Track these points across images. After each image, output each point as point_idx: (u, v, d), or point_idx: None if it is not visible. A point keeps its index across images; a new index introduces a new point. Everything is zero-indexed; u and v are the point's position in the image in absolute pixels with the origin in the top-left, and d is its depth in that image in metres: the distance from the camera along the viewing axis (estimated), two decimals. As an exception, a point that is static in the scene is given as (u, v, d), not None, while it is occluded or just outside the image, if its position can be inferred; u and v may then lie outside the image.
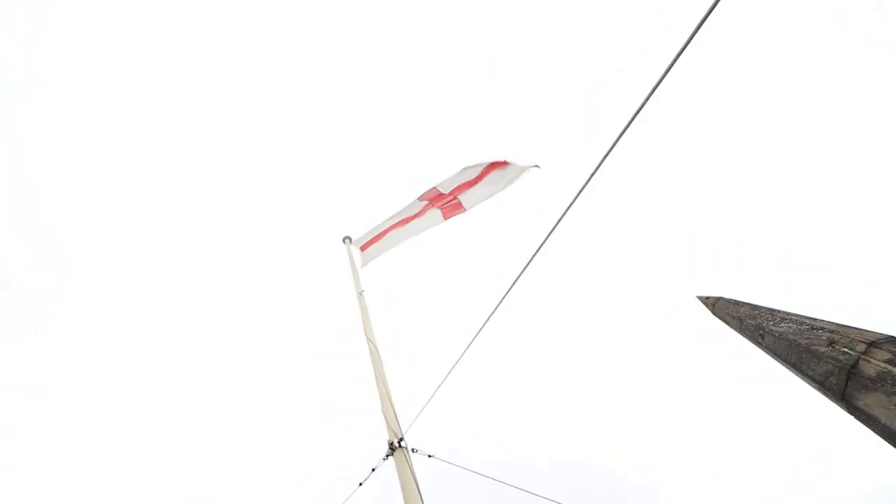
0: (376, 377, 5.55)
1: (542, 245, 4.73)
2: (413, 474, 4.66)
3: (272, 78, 23.36)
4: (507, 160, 7.98)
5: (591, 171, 3.61)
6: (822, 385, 2.22)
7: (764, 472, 14.94)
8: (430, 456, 5.12)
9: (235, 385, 18.25)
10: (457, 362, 5.74)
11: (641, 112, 3.10)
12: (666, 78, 2.90)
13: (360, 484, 5.30)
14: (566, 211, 4.01)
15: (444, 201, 7.86)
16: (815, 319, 2.86)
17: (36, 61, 19.80)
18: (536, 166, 8.19)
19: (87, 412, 16.26)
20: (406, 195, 8.16)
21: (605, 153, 3.42)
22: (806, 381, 2.37)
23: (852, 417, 1.97)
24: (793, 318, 3.05)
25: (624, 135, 3.22)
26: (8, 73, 19.15)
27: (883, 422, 1.74)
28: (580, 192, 3.78)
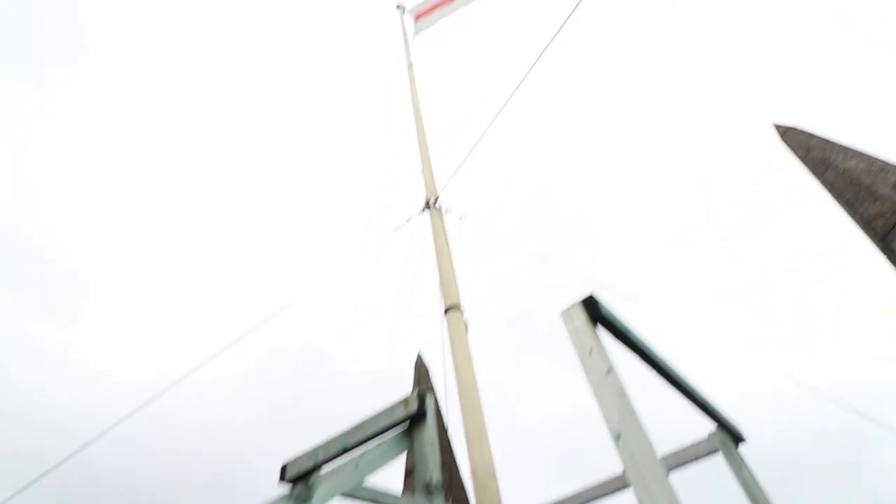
0: (419, 143, 5.75)
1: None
2: (444, 229, 5.33)
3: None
4: None
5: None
6: (867, 225, 2.41)
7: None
8: (460, 219, 5.75)
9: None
10: (491, 122, 5.84)
11: None
12: None
13: (397, 228, 6.10)
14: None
15: None
16: (889, 163, 2.86)
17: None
18: None
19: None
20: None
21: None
22: (854, 219, 2.55)
23: (886, 260, 2.22)
24: (865, 157, 3.03)
25: None
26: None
27: (915, 265, 1.98)
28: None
